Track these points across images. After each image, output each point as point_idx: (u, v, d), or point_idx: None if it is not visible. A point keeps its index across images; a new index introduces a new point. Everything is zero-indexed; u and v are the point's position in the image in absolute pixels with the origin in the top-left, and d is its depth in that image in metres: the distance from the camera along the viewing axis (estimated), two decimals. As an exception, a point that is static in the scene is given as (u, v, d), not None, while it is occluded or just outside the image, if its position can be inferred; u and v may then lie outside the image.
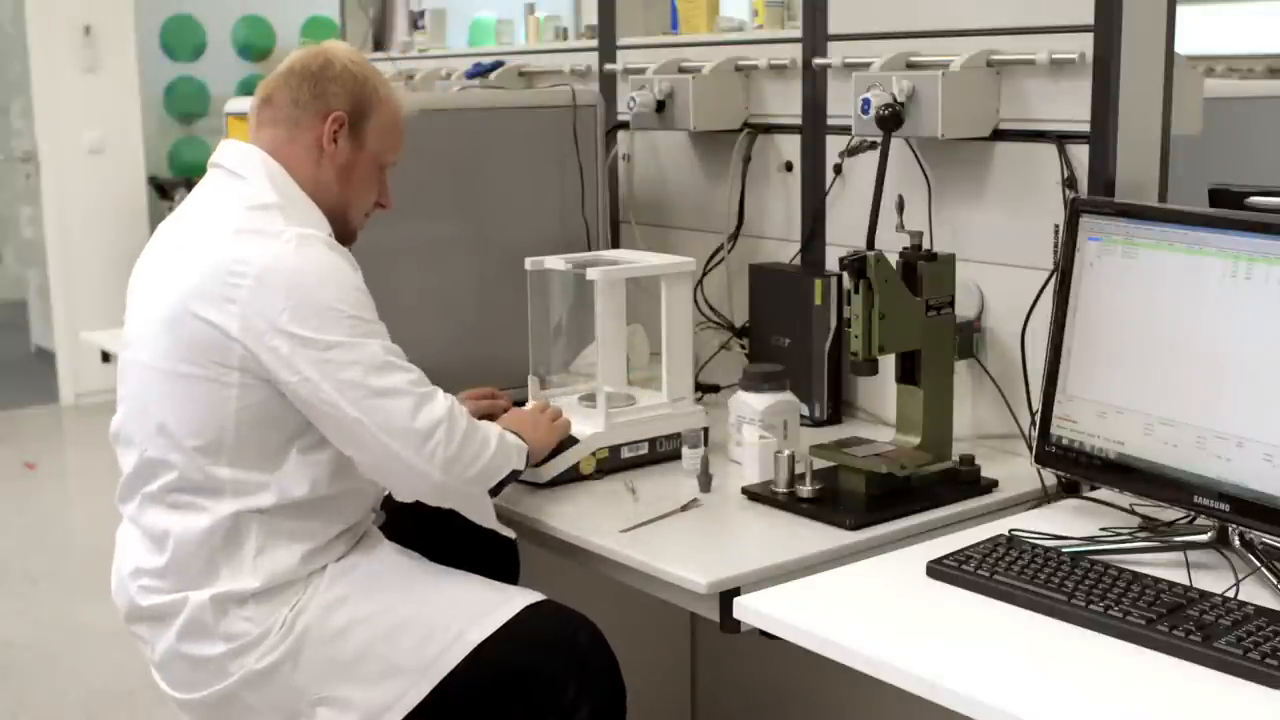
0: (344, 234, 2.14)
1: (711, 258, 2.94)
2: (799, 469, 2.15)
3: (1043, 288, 2.29)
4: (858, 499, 2.15)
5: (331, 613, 2.01)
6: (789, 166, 2.81)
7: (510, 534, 2.16)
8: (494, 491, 2.11)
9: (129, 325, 2.12)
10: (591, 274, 2.36)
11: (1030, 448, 2.13)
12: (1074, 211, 2.01)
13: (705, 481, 2.23)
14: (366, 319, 1.97)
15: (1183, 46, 2.27)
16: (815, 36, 2.69)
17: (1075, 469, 2.02)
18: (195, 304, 1.96)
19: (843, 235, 2.68)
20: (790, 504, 2.13)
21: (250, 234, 1.97)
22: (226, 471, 1.99)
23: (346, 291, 1.96)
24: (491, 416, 2.28)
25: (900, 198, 2.24)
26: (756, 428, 2.31)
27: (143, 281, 2.12)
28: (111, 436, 2.14)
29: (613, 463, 2.33)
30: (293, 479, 2.00)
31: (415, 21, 4.26)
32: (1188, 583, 1.71)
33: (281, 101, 2.10)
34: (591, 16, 3.40)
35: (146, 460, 2.04)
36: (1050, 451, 2.03)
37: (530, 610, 2.06)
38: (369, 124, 2.12)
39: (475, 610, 2.05)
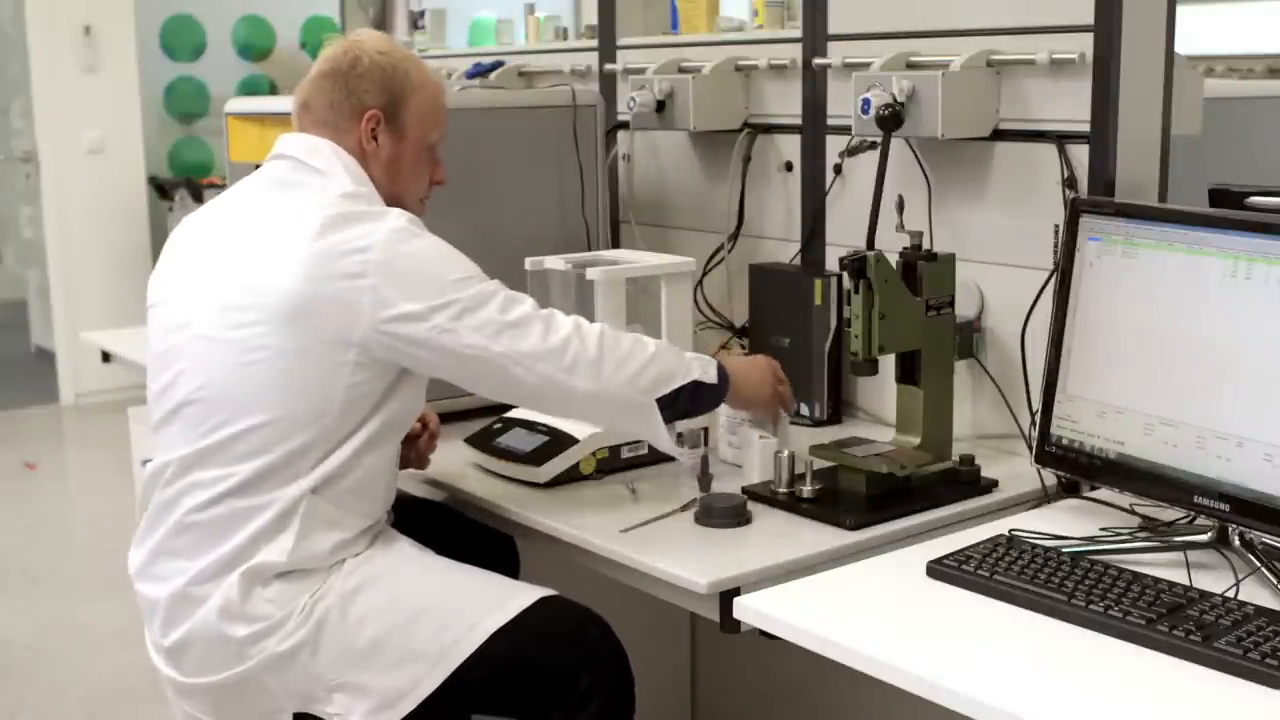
0: None
1: (711, 258, 2.94)
2: (799, 469, 2.16)
3: (1043, 288, 2.29)
4: (858, 499, 2.15)
5: (350, 601, 2.02)
6: (789, 166, 2.81)
7: (682, 456, 2.19)
8: (678, 414, 2.12)
9: (181, 309, 2.08)
10: (591, 274, 2.37)
11: (1030, 448, 2.13)
12: (1074, 211, 2.01)
13: (705, 481, 2.22)
14: (477, 273, 2.04)
15: (1183, 46, 2.27)
16: (815, 36, 2.69)
17: (1075, 469, 2.02)
18: (311, 291, 1.96)
19: (843, 235, 2.68)
20: (790, 504, 2.13)
21: (356, 218, 2.01)
22: (317, 450, 2.00)
23: (456, 259, 2.04)
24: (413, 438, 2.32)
25: (900, 198, 2.24)
26: (756, 429, 2.31)
27: (205, 267, 2.09)
28: (163, 418, 2.09)
29: (613, 463, 2.33)
30: (355, 459, 2.03)
31: (415, 21, 4.26)
32: (1188, 583, 1.71)
33: (318, 105, 2.13)
34: (591, 16, 3.40)
35: (228, 443, 2.01)
36: (1050, 451, 2.03)
37: (542, 604, 2.06)
38: (406, 112, 2.14)
39: (489, 601, 2.06)
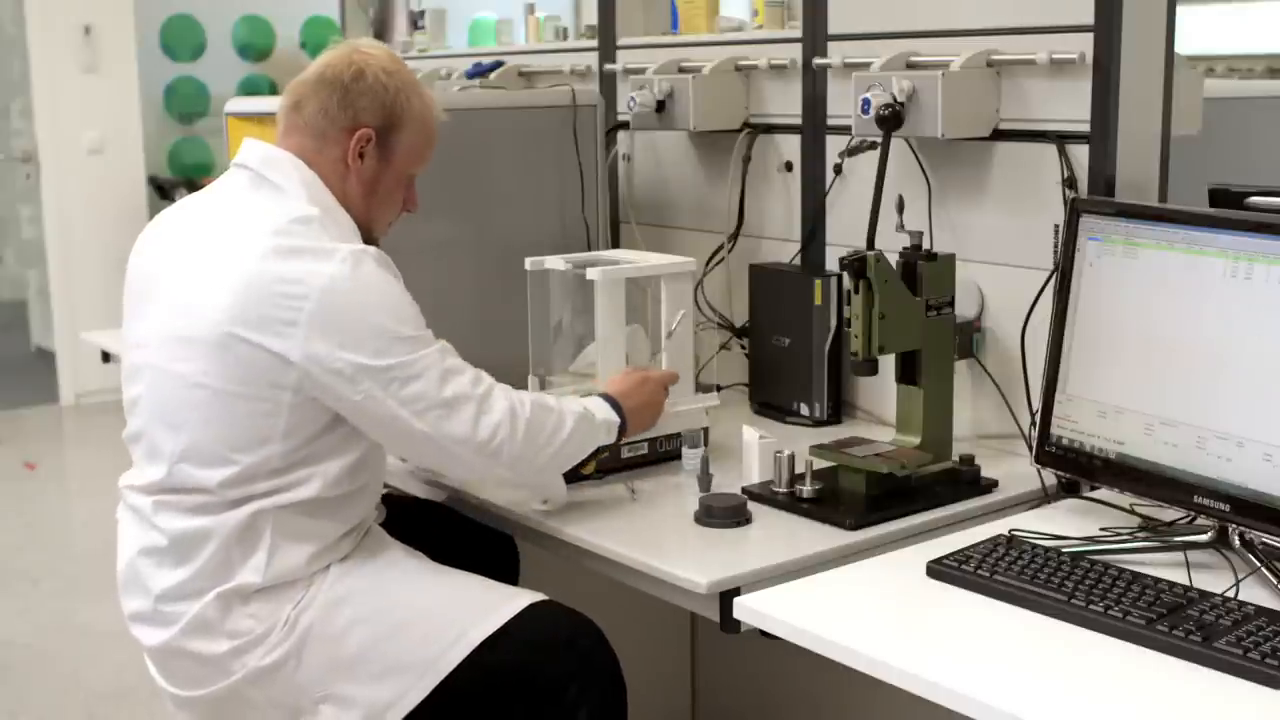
0: (367, 241, 2.11)
1: (711, 258, 2.94)
2: (799, 469, 2.15)
3: (1043, 288, 2.29)
4: (858, 499, 2.15)
5: (335, 611, 2.01)
6: (789, 166, 2.81)
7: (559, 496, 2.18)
8: (583, 466, 2.17)
9: (142, 324, 2.08)
10: (591, 274, 2.36)
11: (1030, 448, 2.13)
12: (1074, 211, 2.01)
13: (705, 481, 2.22)
14: (420, 333, 1.98)
15: (1183, 46, 2.27)
16: (815, 36, 2.69)
17: (1075, 469, 2.02)
18: (245, 327, 1.92)
19: (843, 235, 2.68)
20: (790, 504, 2.13)
21: (300, 253, 1.93)
22: (262, 484, 1.98)
23: (401, 310, 1.97)
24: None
25: (900, 198, 2.24)
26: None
27: (160, 282, 2.06)
28: (128, 437, 2.11)
29: (613, 463, 2.33)
30: (313, 479, 1.99)
31: (415, 21, 4.26)
32: (1188, 583, 1.71)
33: (311, 110, 2.05)
34: (591, 16, 3.40)
35: (178, 472, 2.01)
36: (1050, 451, 2.03)
37: (532, 610, 2.05)
38: (397, 137, 2.08)
39: (477, 609, 2.05)
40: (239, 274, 1.94)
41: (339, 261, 1.93)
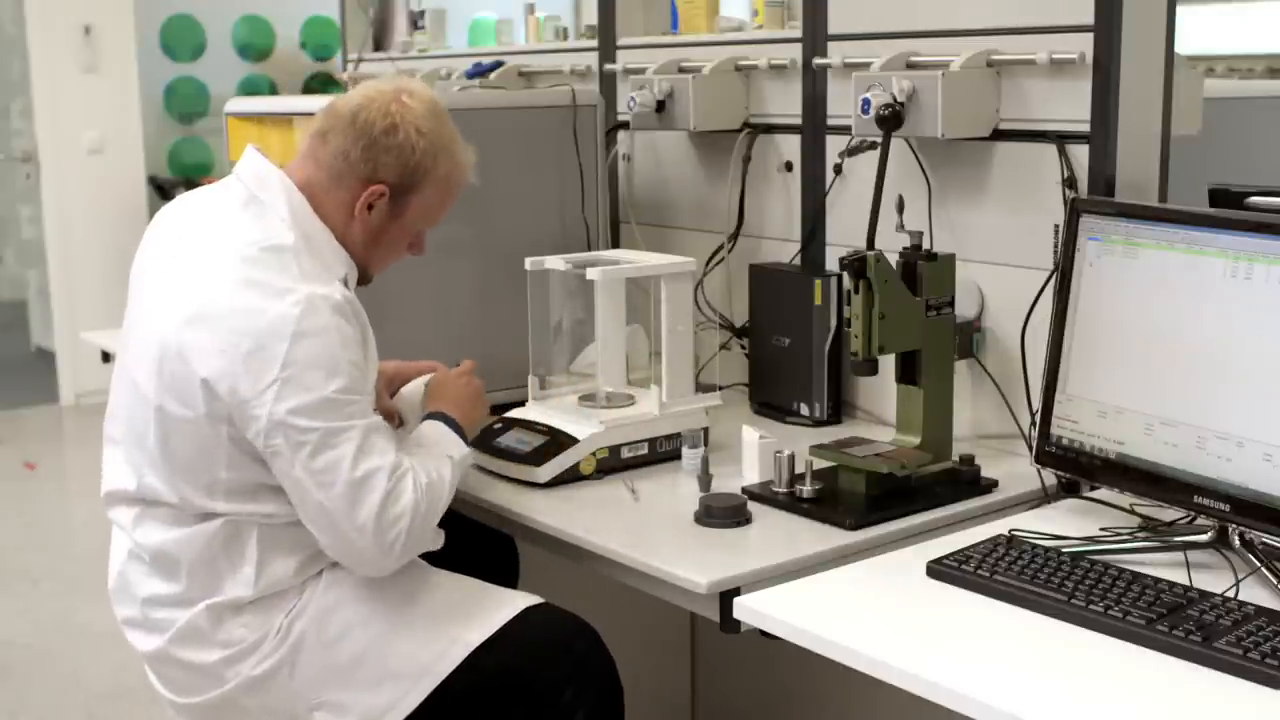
0: (361, 278, 2.10)
1: (711, 258, 2.94)
2: (799, 469, 2.15)
3: (1043, 288, 2.29)
4: (858, 499, 2.14)
5: (328, 618, 2.00)
6: (789, 166, 2.81)
7: None
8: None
9: (129, 328, 2.07)
10: (591, 274, 2.37)
11: (1030, 448, 2.13)
12: (1074, 211, 2.01)
13: (705, 481, 2.22)
14: (352, 399, 1.89)
15: (1183, 46, 2.27)
16: (815, 36, 2.69)
17: (1075, 469, 2.02)
18: (185, 349, 1.90)
19: (843, 235, 2.68)
20: (790, 504, 2.13)
21: (256, 286, 1.89)
22: (223, 504, 1.97)
23: (338, 369, 1.88)
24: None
25: (900, 198, 2.24)
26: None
27: (146, 286, 2.06)
28: (106, 439, 2.12)
29: (613, 463, 2.33)
30: (280, 501, 1.96)
31: (415, 21, 4.26)
32: (1188, 583, 1.71)
33: (334, 146, 2.00)
34: (591, 16, 3.40)
35: (145, 485, 2.02)
36: (1050, 451, 2.03)
37: (527, 613, 2.05)
38: (413, 198, 2.04)
39: (472, 614, 2.04)
40: (197, 296, 1.92)
41: (290, 304, 1.87)
